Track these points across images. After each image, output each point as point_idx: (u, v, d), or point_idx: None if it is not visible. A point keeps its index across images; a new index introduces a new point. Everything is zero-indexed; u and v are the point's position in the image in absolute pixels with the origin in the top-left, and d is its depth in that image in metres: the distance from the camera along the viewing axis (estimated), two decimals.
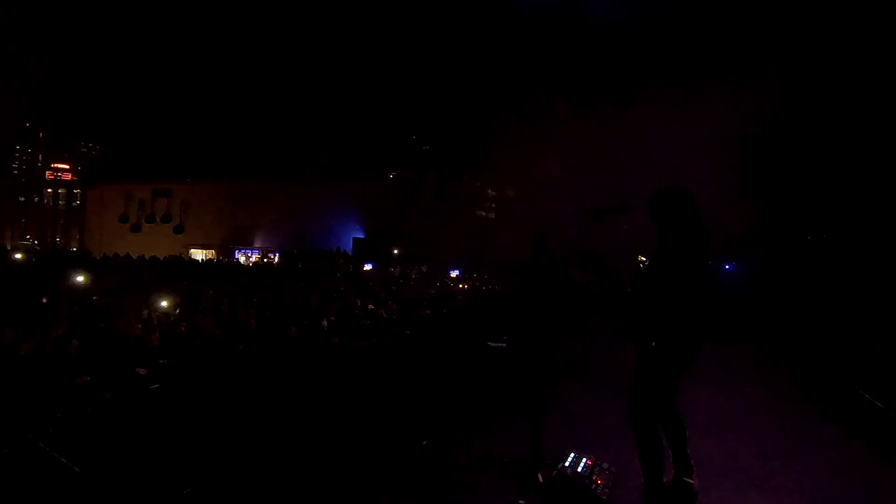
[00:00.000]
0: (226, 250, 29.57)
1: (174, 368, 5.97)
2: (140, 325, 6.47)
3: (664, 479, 2.96)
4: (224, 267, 18.21)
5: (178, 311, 7.54)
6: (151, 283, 10.80)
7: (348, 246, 27.39)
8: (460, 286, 14.99)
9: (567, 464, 3.00)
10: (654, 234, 2.81)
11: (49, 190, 45.26)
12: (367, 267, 20.59)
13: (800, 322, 8.57)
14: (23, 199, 45.92)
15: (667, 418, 2.97)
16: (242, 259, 28.41)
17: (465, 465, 3.33)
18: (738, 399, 5.21)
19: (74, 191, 42.54)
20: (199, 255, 29.59)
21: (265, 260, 27.52)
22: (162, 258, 21.93)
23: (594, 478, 2.93)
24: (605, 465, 3.10)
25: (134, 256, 21.78)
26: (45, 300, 7.39)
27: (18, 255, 18.16)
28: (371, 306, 10.22)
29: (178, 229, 32.10)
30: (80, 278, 8.47)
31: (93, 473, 3.06)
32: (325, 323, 8.36)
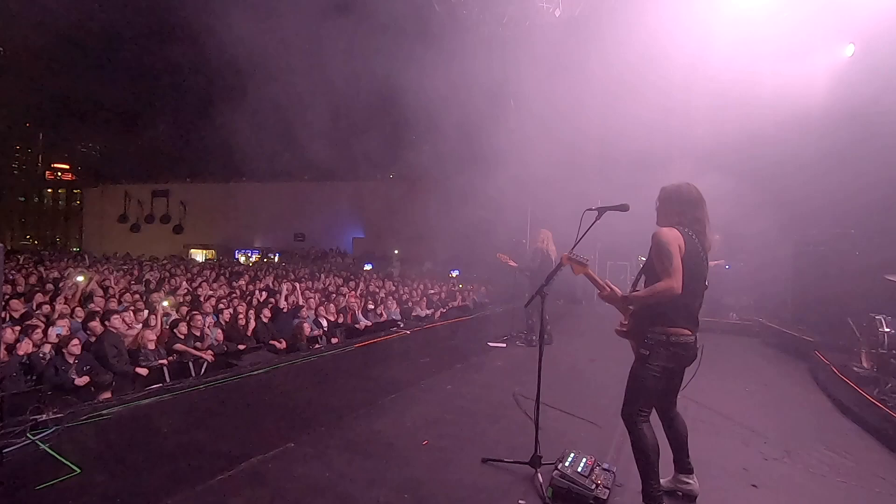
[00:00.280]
0: (226, 250, 29.57)
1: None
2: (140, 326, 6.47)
3: (665, 479, 2.96)
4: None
5: (177, 311, 7.52)
6: (151, 283, 10.79)
7: (348, 246, 27.39)
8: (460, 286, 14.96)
9: (567, 464, 2.99)
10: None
11: (49, 190, 45.32)
12: (367, 267, 20.57)
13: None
14: (23, 199, 45.96)
15: (667, 418, 2.98)
16: (242, 259, 28.42)
17: (466, 465, 3.33)
18: (739, 397, 5.21)
19: (74, 191, 42.57)
20: (199, 255, 29.59)
21: (265, 260, 27.52)
22: (162, 258, 21.94)
23: (594, 478, 2.93)
24: (605, 465, 3.10)
25: (134, 256, 21.79)
26: (45, 300, 7.38)
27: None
28: (371, 306, 10.23)
29: (178, 229, 32.12)
30: (79, 278, 8.45)
31: (93, 474, 3.05)
32: (324, 323, 8.38)
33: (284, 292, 8.83)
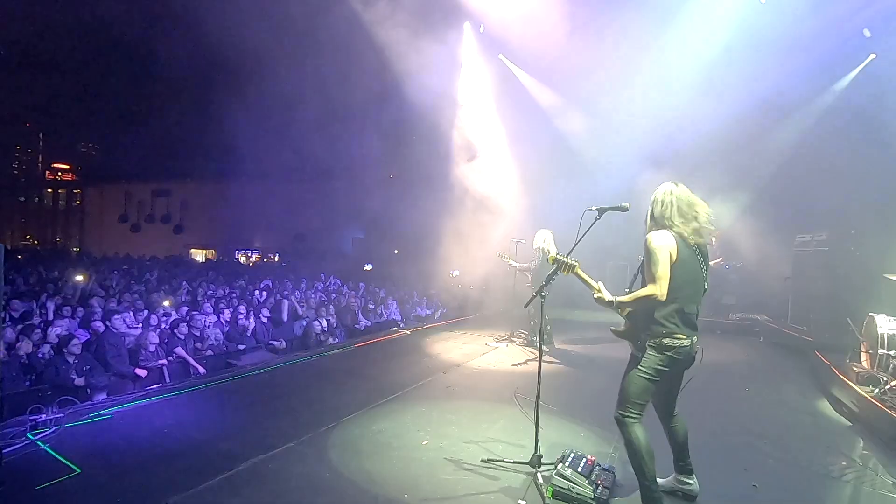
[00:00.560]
0: (226, 250, 29.56)
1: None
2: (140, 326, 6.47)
3: (666, 479, 2.96)
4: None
5: (177, 311, 7.52)
6: (151, 284, 10.79)
7: (348, 246, 27.37)
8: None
9: (567, 464, 2.99)
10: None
11: (49, 190, 45.26)
12: (367, 267, 20.56)
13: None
14: (23, 199, 45.91)
15: (668, 420, 2.97)
16: (242, 259, 28.43)
17: (466, 465, 3.33)
18: (739, 397, 5.21)
19: (74, 191, 42.51)
20: (199, 255, 29.59)
21: (265, 260, 27.53)
22: (162, 258, 21.92)
23: (594, 478, 2.93)
24: (605, 465, 3.10)
25: (134, 257, 21.77)
26: (45, 300, 7.37)
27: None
28: (371, 306, 10.23)
29: (178, 229, 32.10)
30: (79, 278, 8.45)
31: (93, 473, 3.05)
32: (323, 323, 8.37)
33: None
